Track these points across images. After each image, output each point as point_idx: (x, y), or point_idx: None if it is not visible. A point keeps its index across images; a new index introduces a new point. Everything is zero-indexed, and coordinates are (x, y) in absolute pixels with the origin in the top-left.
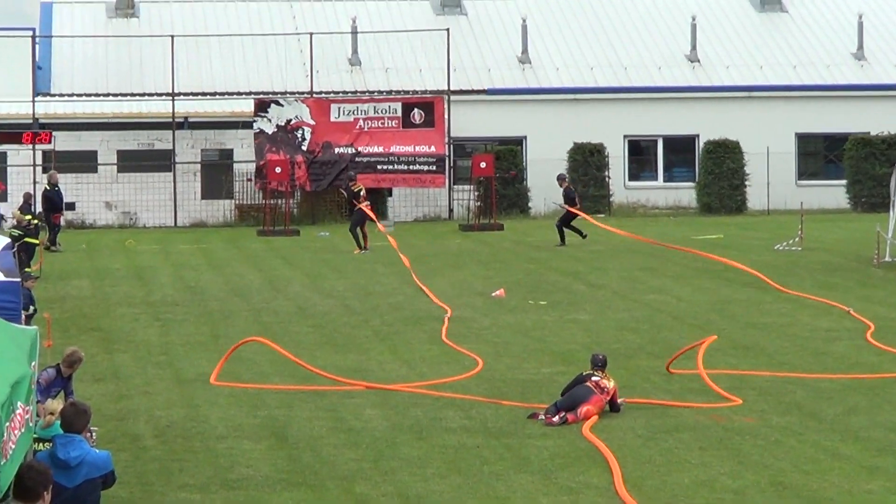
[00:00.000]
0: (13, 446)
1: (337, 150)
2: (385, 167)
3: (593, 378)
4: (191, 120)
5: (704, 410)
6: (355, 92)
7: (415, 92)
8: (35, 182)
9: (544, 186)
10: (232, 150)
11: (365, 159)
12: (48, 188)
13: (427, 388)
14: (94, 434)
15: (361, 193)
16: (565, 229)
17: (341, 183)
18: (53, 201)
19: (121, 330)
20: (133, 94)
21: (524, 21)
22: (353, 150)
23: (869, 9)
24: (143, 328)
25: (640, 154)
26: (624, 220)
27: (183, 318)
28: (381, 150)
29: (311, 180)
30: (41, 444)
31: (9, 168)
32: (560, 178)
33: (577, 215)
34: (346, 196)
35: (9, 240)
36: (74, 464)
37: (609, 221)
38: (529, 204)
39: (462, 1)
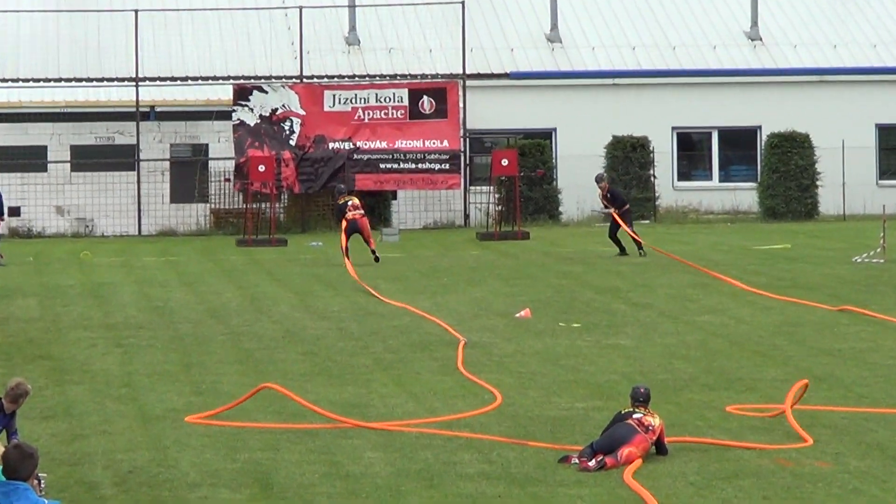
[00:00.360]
0: None
1: (332, 145)
2: (389, 166)
3: (635, 415)
4: (158, 110)
5: (769, 452)
6: (353, 76)
7: (424, 76)
8: None
9: (577, 187)
10: (206, 146)
11: (365, 156)
12: None
13: (438, 427)
14: (42, 481)
15: (349, 204)
16: (629, 236)
17: (334, 186)
18: None
19: (74, 358)
20: (89, 80)
21: None
22: (352, 146)
23: None
24: (102, 356)
25: (691, 149)
26: (672, 229)
27: (149, 344)
28: (384, 145)
29: (301, 181)
30: None
31: None
32: (598, 179)
33: (622, 222)
34: (334, 214)
35: None
36: None
37: (655, 230)
38: (560, 208)
39: None
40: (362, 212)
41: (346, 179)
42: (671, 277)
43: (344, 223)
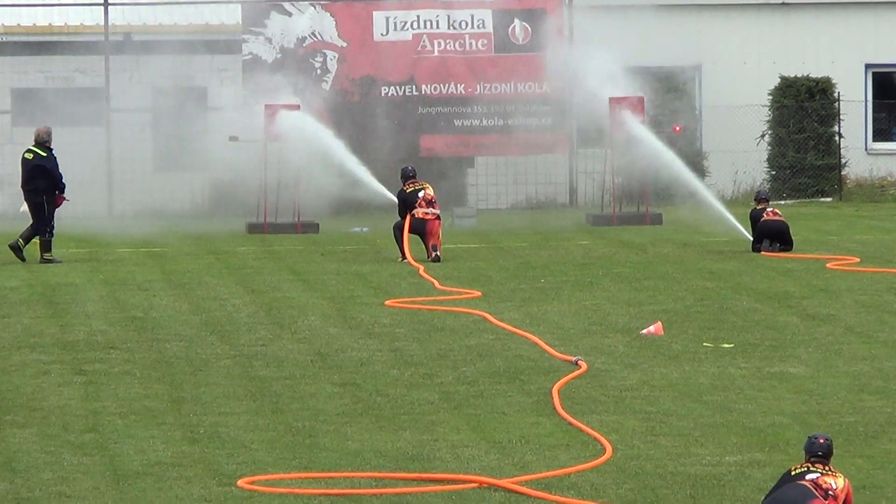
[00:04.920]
0: None
1: (385, 90)
2: (465, 122)
3: (811, 475)
4: (137, 38)
5: None
6: None
7: None
8: None
9: (730, 150)
10: (205, 90)
11: (433, 109)
12: None
13: (532, 486)
14: None
15: (420, 196)
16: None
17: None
18: None
19: (18, 390)
20: None
21: None
22: (415, 92)
23: None
24: (57, 387)
25: (892, 97)
26: (864, 209)
27: (123, 371)
28: (460, 89)
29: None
30: None
31: None
32: (760, 199)
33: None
34: (399, 203)
35: None
36: None
37: (839, 211)
38: (706, 179)
39: None
40: (437, 212)
41: (406, 176)
42: (862, 278)
43: (408, 218)
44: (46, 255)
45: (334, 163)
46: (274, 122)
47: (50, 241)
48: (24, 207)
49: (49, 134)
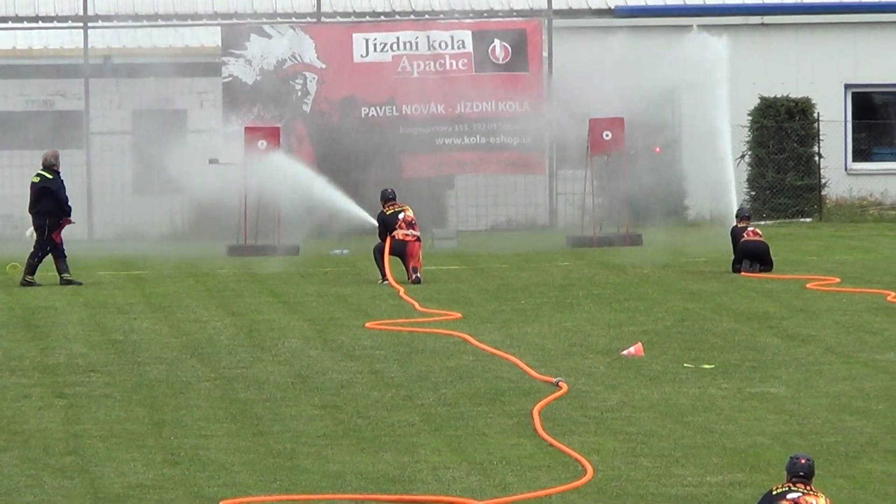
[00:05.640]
0: None
1: (365, 110)
2: (446, 140)
3: (791, 495)
4: (116, 62)
5: None
6: (394, 14)
7: (494, 14)
8: None
9: (711, 170)
10: (185, 112)
11: (413, 129)
12: None
13: None
14: None
15: (401, 218)
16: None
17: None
18: None
19: None
20: (18, 18)
21: None
22: (395, 111)
23: None
24: (37, 410)
25: (872, 116)
26: (844, 229)
27: (103, 395)
28: (440, 109)
29: (320, 159)
30: None
31: None
32: (741, 217)
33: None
34: (378, 226)
35: None
36: None
37: (819, 231)
38: (686, 200)
39: None
40: (417, 234)
41: (386, 198)
42: (842, 299)
43: (388, 240)
44: (28, 278)
45: (314, 197)
46: (254, 146)
47: (37, 265)
48: (31, 230)
49: (56, 157)
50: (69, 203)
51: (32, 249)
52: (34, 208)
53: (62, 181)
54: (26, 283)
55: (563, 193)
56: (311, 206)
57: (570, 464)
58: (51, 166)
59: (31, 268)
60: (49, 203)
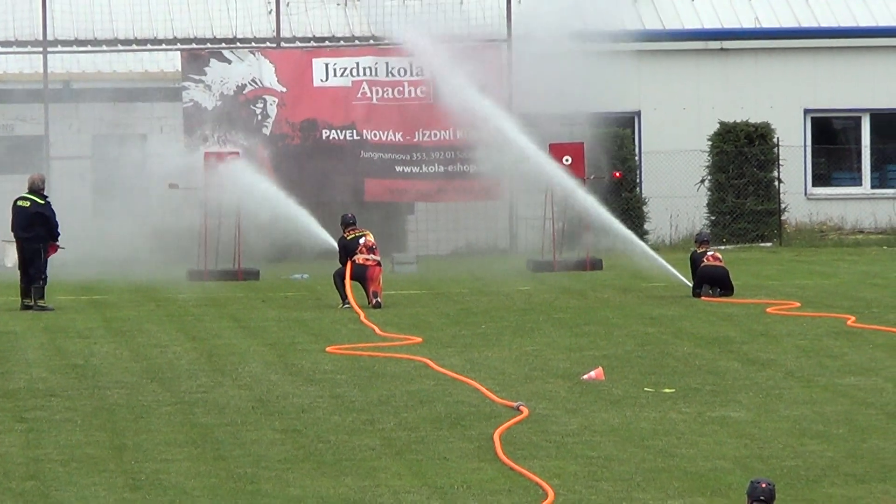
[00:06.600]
0: None
1: (326, 133)
2: (405, 168)
3: None
4: (76, 87)
5: None
6: (353, 38)
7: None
8: None
9: (670, 196)
10: (144, 137)
11: (373, 154)
12: None
13: None
14: None
15: (361, 243)
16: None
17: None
18: None
19: None
20: None
21: None
22: (355, 136)
23: None
24: None
25: (831, 141)
26: (804, 254)
27: (64, 419)
28: (398, 136)
29: (281, 182)
30: None
31: None
32: (700, 241)
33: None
34: (339, 251)
35: None
36: None
37: (778, 256)
38: (646, 225)
39: None
40: (378, 258)
41: (345, 223)
42: (802, 323)
43: (349, 265)
44: (40, 303)
45: (275, 213)
46: (214, 171)
47: (44, 287)
48: (13, 256)
49: (43, 181)
50: (58, 229)
51: (32, 278)
52: (28, 232)
53: (50, 204)
54: (40, 309)
55: (523, 218)
56: (273, 223)
57: (531, 488)
58: (39, 190)
59: (39, 291)
60: (42, 228)
